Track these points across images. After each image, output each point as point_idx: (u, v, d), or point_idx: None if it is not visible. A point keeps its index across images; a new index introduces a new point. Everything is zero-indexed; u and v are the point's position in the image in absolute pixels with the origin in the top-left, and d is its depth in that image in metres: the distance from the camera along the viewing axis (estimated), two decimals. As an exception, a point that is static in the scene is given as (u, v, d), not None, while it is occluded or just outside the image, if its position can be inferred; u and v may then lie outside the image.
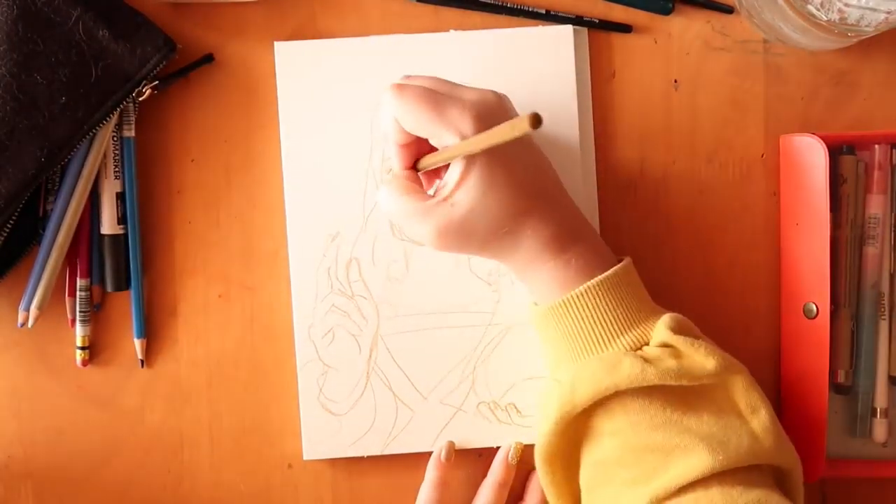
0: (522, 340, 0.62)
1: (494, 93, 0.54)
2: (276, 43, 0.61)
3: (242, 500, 0.63)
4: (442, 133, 0.51)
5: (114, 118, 0.59)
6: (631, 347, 0.53)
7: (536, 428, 0.56)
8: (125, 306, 0.62)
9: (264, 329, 0.63)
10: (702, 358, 0.52)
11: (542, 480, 0.56)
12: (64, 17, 0.56)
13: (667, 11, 0.63)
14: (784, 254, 0.63)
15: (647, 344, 0.53)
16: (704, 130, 0.64)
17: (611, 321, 0.53)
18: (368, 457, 0.62)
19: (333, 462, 0.62)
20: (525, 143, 0.54)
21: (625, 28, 0.63)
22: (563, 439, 0.54)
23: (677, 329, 0.53)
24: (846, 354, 0.62)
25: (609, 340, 0.53)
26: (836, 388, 0.63)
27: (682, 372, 0.51)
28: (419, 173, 0.56)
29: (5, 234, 0.58)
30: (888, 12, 0.54)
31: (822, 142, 0.59)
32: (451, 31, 0.62)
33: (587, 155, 0.62)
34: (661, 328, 0.53)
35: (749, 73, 0.64)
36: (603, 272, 0.54)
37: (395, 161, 0.55)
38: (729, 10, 0.63)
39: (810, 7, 0.56)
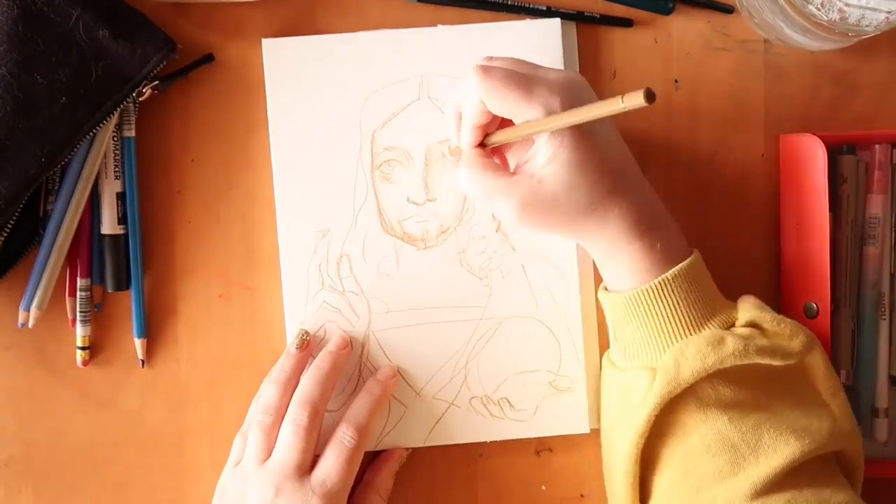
0: (514, 335, 0.62)
1: (578, 74, 0.56)
2: (263, 39, 0.61)
3: (242, 500, 0.63)
4: (529, 113, 0.51)
5: (114, 118, 0.59)
6: (722, 328, 0.54)
7: (621, 428, 0.56)
8: (125, 306, 0.62)
9: (264, 329, 0.63)
10: (787, 339, 0.55)
11: (623, 482, 0.56)
12: (64, 17, 0.56)
13: (667, 11, 0.63)
14: (784, 254, 0.63)
15: (733, 325, 0.55)
16: (704, 130, 0.64)
17: (703, 304, 0.55)
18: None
19: (333, 462, 0.62)
20: (608, 123, 0.54)
21: (626, 22, 0.63)
22: (648, 436, 0.54)
23: (760, 306, 0.55)
24: (846, 354, 0.62)
25: (703, 322, 0.54)
26: (836, 388, 0.63)
27: (774, 349, 0.53)
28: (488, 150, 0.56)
29: (5, 234, 0.58)
30: (888, 12, 0.54)
31: (822, 142, 0.59)
32: (439, 26, 0.62)
33: None
34: (747, 307, 0.55)
35: (749, 73, 0.64)
36: (683, 258, 0.55)
37: (466, 140, 0.56)
38: (729, 10, 0.63)
39: (810, 7, 0.56)
